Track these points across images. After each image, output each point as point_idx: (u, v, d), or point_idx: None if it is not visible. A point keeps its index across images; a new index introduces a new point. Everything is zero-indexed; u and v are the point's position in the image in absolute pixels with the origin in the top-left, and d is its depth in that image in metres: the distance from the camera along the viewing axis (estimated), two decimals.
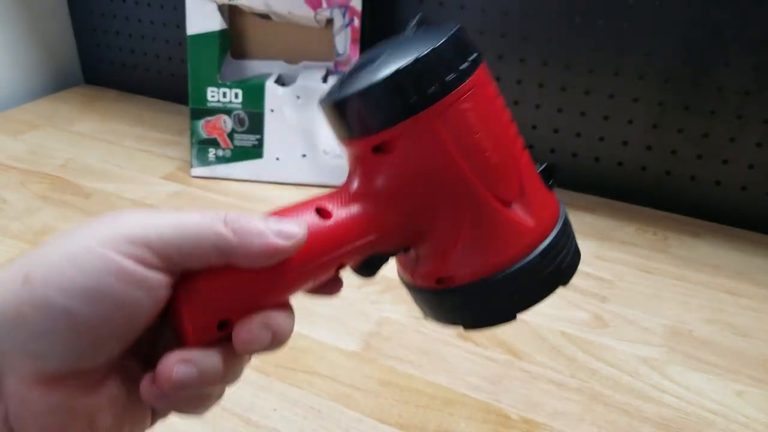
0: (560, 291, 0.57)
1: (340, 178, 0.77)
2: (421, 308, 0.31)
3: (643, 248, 0.62)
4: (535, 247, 0.27)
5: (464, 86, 0.25)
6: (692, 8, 0.61)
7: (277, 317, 0.25)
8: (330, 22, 0.71)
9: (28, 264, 0.22)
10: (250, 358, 0.27)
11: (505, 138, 0.27)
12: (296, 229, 0.25)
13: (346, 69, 0.29)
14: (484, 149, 0.26)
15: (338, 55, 0.70)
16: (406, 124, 0.25)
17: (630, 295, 0.55)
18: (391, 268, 0.57)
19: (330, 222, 0.26)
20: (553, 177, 0.30)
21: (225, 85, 0.71)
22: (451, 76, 0.25)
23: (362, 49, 0.70)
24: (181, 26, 0.88)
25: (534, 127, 0.72)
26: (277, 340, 0.25)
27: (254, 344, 0.25)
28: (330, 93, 0.27)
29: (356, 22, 0.69)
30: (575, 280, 0.59)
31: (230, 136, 0.72)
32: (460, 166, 0.26)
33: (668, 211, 0.69)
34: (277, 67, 0.76)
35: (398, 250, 0.29)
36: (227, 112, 0.72)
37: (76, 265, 0.21)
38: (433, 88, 0.25)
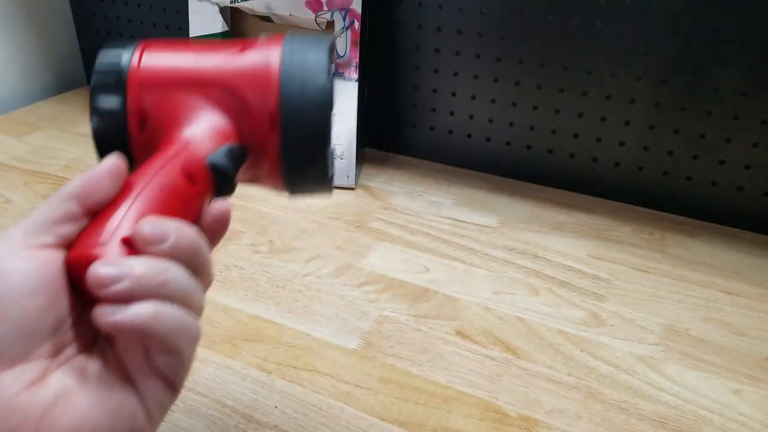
0: (558, 290, 0.57)
1: (340, 178, 0.77)
2: (312, 177, 0.33)
3: (640, 248, 0.63)
4: (285, 40, 0.33)
5: (135, 55, 0.33)
6: (689, 10, 0.61)
7: (167, 219, 0.26)
8: (331, 24, 0.71)
9: None
10: (201, 275, 0.26)
11: (198, 42, 0.35)
12: (111, 156, 0.28)
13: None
14: (182, 51, 0.33)
15: (339, 57, 0.71)
16: (130, 94, 0.32)
17: (627, 294, 0.56)
18: (390, 269, 0.58)
19: (151, 159, 0.30)
20: None
21: None
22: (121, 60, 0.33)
23: (362, 51, 0.71)
24: (183, 29, 0.88)
25: (531, 128, 0.73)
26: (181, 237, 0.25)
27: (154, 234, 0.25)
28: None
29: (356, 24, 0.69)
30: (573, 278, 0.60)
31: None
32: (183, 69, 0.32)
33: (665, 211, 0.70)
34: None
35: (226, 148, 0.31)
36: None
37: None
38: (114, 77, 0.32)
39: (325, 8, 0.69)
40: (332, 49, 0.33)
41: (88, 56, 0.99)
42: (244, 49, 0.33)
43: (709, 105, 0.64)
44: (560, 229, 0.66)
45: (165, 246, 0.25)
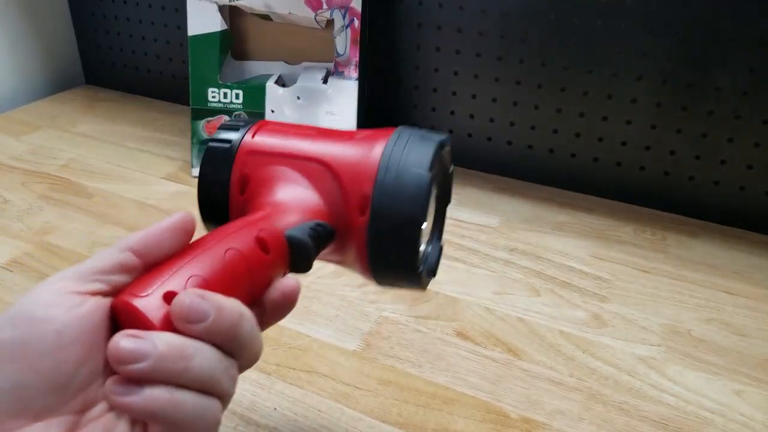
0: (559, 291, 0.57)
1: None
2: (399, 269, 0.33)
3: (641, 248, 0.63)
4: (391, 134, 0.33)
5: (253, 127, 0.35)
6: (690, 9, 0.61)
7: (216, 294, 0.24)
8: (330, 23, 0.71)
9: None
10: (234, 364, 0.25)
11: (309, 126, 0.36)
12: (182, 213, 0.27)
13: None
14: (294, 130, 0.35)
15: (338, 55, 0.71)
16: (238, 156, 0.33)
17: (628, 294, 0.55)
18: None
19: (234, 222, 0.30)
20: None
21: (226, 86, 0.72)
22: (241, 127, 0.35)
23: (362, 50, 0.70)
24: (182, 27, 0.88)
25: (533, 128, 0.72)
26: (221, 318, 0.24)
27: (191, 311, 0.23)
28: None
29: (356, 23, 0.69)
30: (574, 279, 0.59)
31: None
32: (288, 144, 0.34)
33: (666, 211, 0.70)
34: (277, 68, 0.76)
35: (312, 224, 0.31)
36: (228, 112, 0.72)
37: (13, 309, 0.23)
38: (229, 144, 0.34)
39: (324, 6, 0.69)
40: (443, 145, 0.33)
41: (87, 55, 0.99)
42: (353, 136, 0.33)
43: (711, 104, 0.64)
44: (561, 229, 0.65)
45: (201, 327, 0.23)
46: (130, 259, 0.25)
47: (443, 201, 0.38)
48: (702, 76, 0.63)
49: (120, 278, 0.25)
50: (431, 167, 0.31)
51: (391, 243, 0.31)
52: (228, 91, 0.72)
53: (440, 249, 0.38)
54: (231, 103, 0.72)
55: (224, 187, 0.33)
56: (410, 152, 0.31)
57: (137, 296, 0.24)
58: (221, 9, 0.71)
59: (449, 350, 0.48)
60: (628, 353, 0.49)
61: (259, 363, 0.46)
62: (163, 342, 0.22)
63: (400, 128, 0.33)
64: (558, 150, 0.72)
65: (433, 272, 0.36)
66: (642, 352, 0.49)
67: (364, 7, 0.69)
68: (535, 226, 0.66)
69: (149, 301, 0.24)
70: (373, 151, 0.32)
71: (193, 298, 0.23)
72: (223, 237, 0.27)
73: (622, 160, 0.70)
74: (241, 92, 0.71)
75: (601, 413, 0.43)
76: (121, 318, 0.24)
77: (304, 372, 0.45)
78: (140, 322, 0.23)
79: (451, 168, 0.37)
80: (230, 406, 0.42)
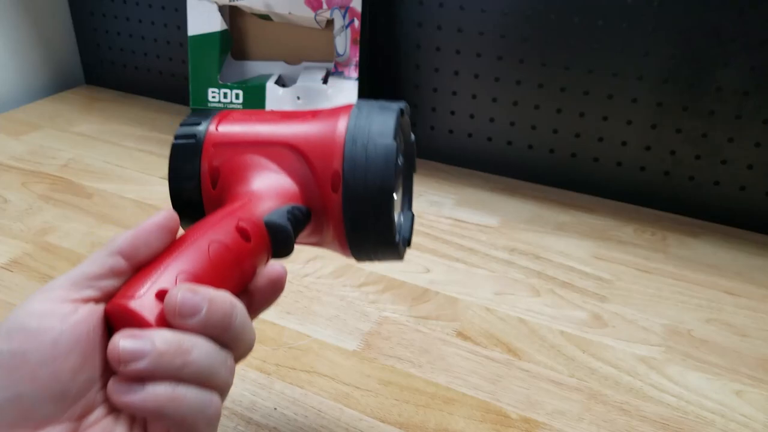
0: (560, 291, 0.57)
1: None
2: (377, 240, 0.33)
3: (641, 248, 0.62)
4: (353, 107, 0.33)
5: (212, 123, 0.35)
6: (691, 9, 0.61)
7: (208, 288, 0.25)
8: (330, 22, 0.71)
9: None
10: (229, 353, 0.25)
11: (271, 112, 0.36)
12: (164, 211, 0.27)
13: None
14: (257, 119, 0.35)
15: (338, 55, 0.71)
16: (205, 150, 0.33)
17: (629, 294, 0.55)
18: (388, 269, 0.58)
19: (214, 215, 0.30)
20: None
21: (226, 86, 0.71)
22: (200, 124, 0.35)
23: (362, 50, 0.70)
24: (181, 27, 0.88)
25: (533, 128, 0.72)
26: (214, 310, 0.24)
27: (185, 306, 0.23)
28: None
29: (356, 22, 0.69)
30: (575, 279, 0.59)
31: None
32: (255, 132, 0.33)
33: (667, 211, 0.70)
34: (277, 68, 0.76)
35: (288, 207, 0.31)
36: None
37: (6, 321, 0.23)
38: (192, 139, 0.34)
39: (324, 6, 0.69)
40: (402, 112, 0.34)
41: (87, 55, 0.99)
42: (315, 115, 0.34)
43: (712, 104, 0.63)
44: (562, 229, 0.65)
45: (195, 321, 0.24)
46: (119, 263, 0.25)
47: (409, 170, 0.38)
48: (703, 76, 0.63)
49: (111, 282, 0.25)
50: (395, 136, 0.31)
51: (367, 214, 0.31)
52: (228, 91, 0.72)
53: (412, 218, 0.38)
54: (231, 103, 0.72)
55: (196, 183, 0.33)
56: (372, 123, 0.32)
57: (131, 298, 0.24)
58: (221, 9, 0.71)
59: (449, 350, 0.48)
60: (629, 353, 0.49)
61: (259, 363, 0.46)
62: (160, 339, 0.23)
63: (358, 102, 0.34)
64: (558, 150, 0.72)
65: (407, 241, 0.36)
66: (642, 353, 0.49)
67: (365, 7, 0.69)
68: (535, 226, 0.66)
69: (143, 302, 0.24)
70: (338, 127, 0.32)
71: (184, 293, 0.24)
72: (205, 231, 0.28)
73: (622, 160, 0.70)
74: (241, 92, 0.71)
75: (601, 413, 0.43)
76: (115, 322, 0.24)
77: (304, 372, 0.45)
78: (136, 322, 0.24)
79: (412, 137, 0.38)
80: (230, 406, 0.42)
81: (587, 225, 0.66)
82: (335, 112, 0.33)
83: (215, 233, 0.28)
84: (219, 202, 0.32)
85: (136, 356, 0.22)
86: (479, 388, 0.45)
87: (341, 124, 0.32)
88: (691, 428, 0.42)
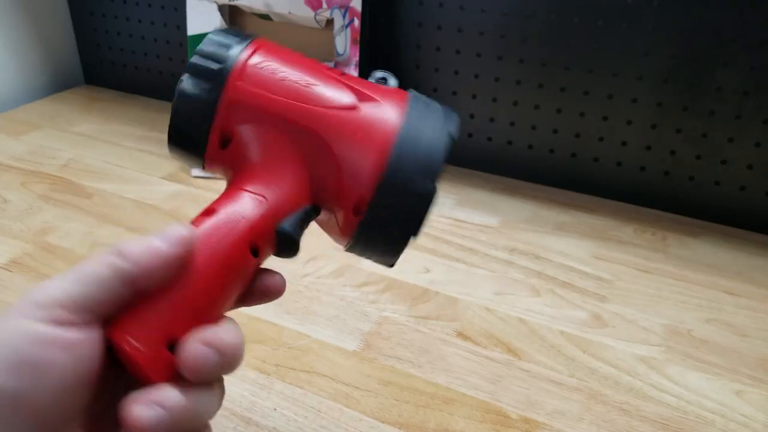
0: (560, 291, 0.57)
1: None
2: (376, 257, 0.32)
3: (641, 248, 0.62)
4: (400, 121, 0.29)
5: (245, 53, 0.29)
6: (691, 9, 0.61)
7: (216, 331, 0.25)
8: (330, 22, 0.71)
9: None
10: (222, 389, 0.26)
11: (311, 67, 0.30)
12: (180, 229, 0.25)
13: None
14: (294, 81, 0.29)
15: (338, 55, 0.71)
16: (221, 110, 0.28)
17: (629, 294, 0.55)
18: (390, 270, 0.57)
19: (217, 216, 0.27)
20: (386, 81, 0.32)
21: None
22: (229, 51, 0.29)
23: (362, 49, 0.70)
24: (181, 27, 0.88)
25: (533, 128, 0.72)
26: (225, 355, 0.25)
27: (201, 364, 0.24)
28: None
29: (356, 22, 0.69)
30: (575, 279, 0.59)
31: None
32: (286, 105, 0.29)
33: (667, 211, 0.70)
34: None
35: (304, 212, 0.30)
36: None
37: None
38: (216, 66, 0.29)
39: (324, 6, 0.69)
40: (453, 141, 0.30)
41: (86, 55, 0.99)
42: (363, 98, 0.30)
43: (712, 104, 0.63)
44: (562, 229, 0.65)
45: (207, 376, 0.24)
46: (129, 292, 0.24)
47: None
48: (703, 76, 0.63)
49: (115, 308, 0.24)
50: (437, 178, 0.28)
51: (378, 243, 0.30)
52: None
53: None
54: None
55: (204, 130, 0.29)
56: (419, 148, 0.28)
57: (139, 347, 0.24)
58: (221, 8, 0.71)
59: (449, 350, 0.48)
60: (629, 353, 0.48)
61: (258, 363, 0.46)
62: (175, 406, 0.23)
63: (411, 107, 0.30)
64: (558, 150, 0.72)
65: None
66: (642, 353, 0.49)
67: (364, 7, 0.69)
68: (535, 226, 0.66)
69: (153, 354, 0.24)
70: (383, 145, 0.28)
71: (197, 349, 0.24)
72: (217, 255, 0.26)
73: (622, 160, 0.70)
74: None
75: (601, 413, 0.43)
76: (119, 354, 0.24)
77: (304, 372, 0.45)
78: (145, 377, 0.24)
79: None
80: (230, 406, 0.42)
81: (587, 225, 0.66)
82: (383, 117, 0.29)
83: (228, 258, 0.26)
84: (223, 164, 0.29)
85: (152, 426, 0.23)
86: (479, 388, 0.45)
87: (387, 140, 0.28)
88: (691, 428, 0.42)
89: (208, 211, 0.28)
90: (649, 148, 0.68)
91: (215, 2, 0.71)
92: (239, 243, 0.27)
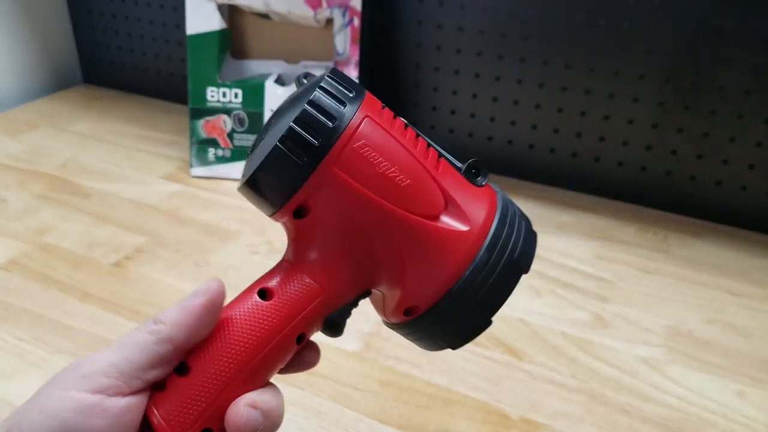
0: (561, 291, 0.56)
1: None
2: (409, 341, 0.32)
3: (643, 248, 0.62)
4: (479, 247, 0.28)
5: (349, 127, 0.26)
6: (693, 8, 0.61)
7: (262, 395, 0.26)
8: (330, 21, 0.70)
9: (11, 420, 0.24)
10: None
11: (411, 158, 0.28)
12: (209, 282, 0.26)
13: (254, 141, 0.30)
14: (391, 177, 0.27)
15: (338, 54, 0.70)
16: (308, 184, 0.26)
17: (630, 295, 0.55)
18: None
19: (272, 301, 0.27)
20: (479, 173, 0.30)
21: (225, 85, 0.71)
22: (332, 123, 0.26)
23: (362, 49, 0.70)
24: (180, 26, 0.87)
25: (534, 127, 0.72)
26: (270, 417, 0.26)
27: (245, 426, 0.25)
28: (243, 174, 0.29)
29: (356, 21, 0.69)
30: (576, 279, 0.59)
31: (230, 136, 0.72)
32: (375, 201, 0.27)
33: (669, 211, 0.69)
34: (276, 67, 0.76)
35: (355, 299, 0.30)
36: (227, 111, 0.72)
37: (42, 411, 0.23)
38: (318, 141, 0.26)
39: (323, 5, 0.69)
40: (525, 269, 0.30)
41: (85, 54, 0.98)
42: (448, 203, 0.28)
43: (714, 104, 0.63)
44: (563, 229, 0.65)
45: None
46: (167, 350, 0.25)
47: None
48: (704, 76, 0.63)
49: (157, 372, 0.25)
50: (501, 305, 0.29)
51: (422, 340, 0.30)
52: (227, 90, 0.71)
53: None
54: (230, 102, 0.71)
55: (283, 197, 0.27)
56: (486, 289, 0.28)
57: (162, 423, 0.25)
58: (220, 8, 0.71)
59: (450, 351, 0.48)
60: (631, 354, 0.48)
61: None
62: None
63: (491, 240, 0.28)
64: (559, 149, 0.72)
65: None
66: (644, 353, 0.48)
67: (364, 6, 0.69)
68: (536, 226, 0.65)
69: (177, 429, 0.25)
70: (453, 272, 0.27)
71: (244, 411, 0.26)
72: (266, 345, 0.27)
73: (623, 160, 0.70)
74: (240, 91, 0.71)
75: (603, 415, 0.43)
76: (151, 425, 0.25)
77: (304, 373, 0.45)
78: None
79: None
80: None
81: (588, 225, 0.66)
82: (464, 235, 0.28)
83: (275, 349, 0.27)
84: (290, 227, 0.28)
85: None
86: (480, 390, 0.44)
87: (459, 267, 0.27)
88: (693, 429, 0.42)
89: (264, 293, 0.28)
90: (650, 147, 0.68)
91: (214, 1, 0.70)
92: (288, 336, 0.27)
